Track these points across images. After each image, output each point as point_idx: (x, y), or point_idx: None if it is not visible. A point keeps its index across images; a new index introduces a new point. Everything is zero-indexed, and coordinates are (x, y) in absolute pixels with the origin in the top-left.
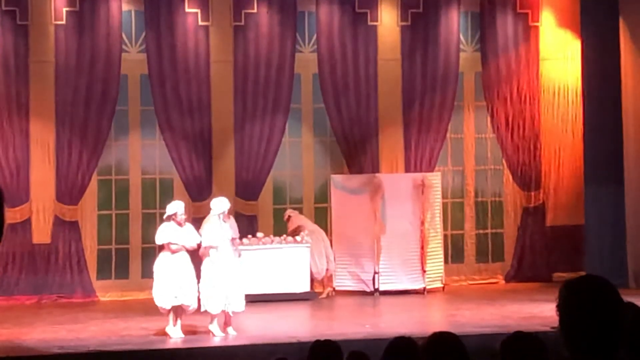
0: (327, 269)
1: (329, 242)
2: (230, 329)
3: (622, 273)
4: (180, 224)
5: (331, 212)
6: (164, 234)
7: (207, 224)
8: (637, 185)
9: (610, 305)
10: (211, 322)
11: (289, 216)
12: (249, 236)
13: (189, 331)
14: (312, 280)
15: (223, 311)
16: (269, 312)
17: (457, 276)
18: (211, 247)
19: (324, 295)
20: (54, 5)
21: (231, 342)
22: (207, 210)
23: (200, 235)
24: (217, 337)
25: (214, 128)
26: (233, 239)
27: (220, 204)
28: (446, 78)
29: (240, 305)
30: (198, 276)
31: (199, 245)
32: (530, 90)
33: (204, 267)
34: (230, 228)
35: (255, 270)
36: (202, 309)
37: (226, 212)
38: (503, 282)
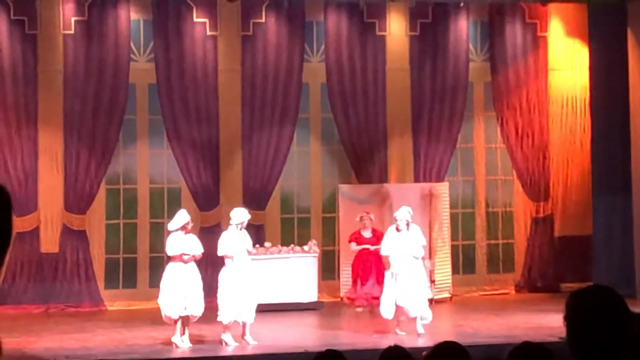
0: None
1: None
2: (249, 338)
3: (629, 283)
4: (189, 233)
5: (339, 222)
6: (176, 244)
7: (224, 233)
8: None
9: (617, 315)
10: (224, 331)
11: None
12: (257, 246)
13: (196, 341)
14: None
15: (236, 321)
16: (277, 321)
17: (468, 287)
18: (226, 256)
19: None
20: (63, 14)
21: (238, 351)
22: (214, 220)
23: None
24: (230, 347)
25: (222, 137)
26: (248, 250)
27: (239, 215)
28: (455, 88)
29: (251, 316)
30: (205, 286)
31: (203, 255)
32: (539, 100)
33: (220, 277)
34: (246, 239)
35: (263, 279)
36: (219, 319)
37: (245, 223)
38: (514, 292)
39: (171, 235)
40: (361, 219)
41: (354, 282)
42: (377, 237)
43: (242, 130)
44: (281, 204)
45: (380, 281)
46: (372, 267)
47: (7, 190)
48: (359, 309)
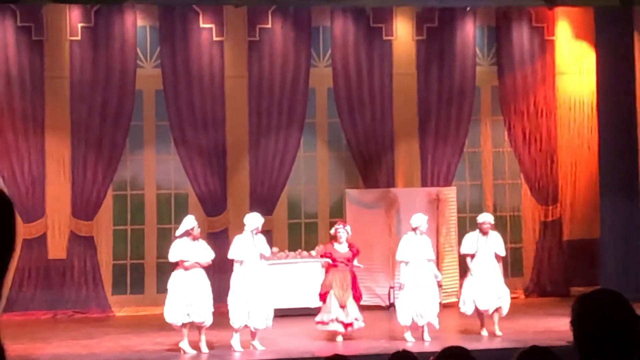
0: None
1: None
2: (257, 344)
3: (637, 287)
4: (196, 239)
5: None
6: (177, 251)
7: (236, 237)
8: None
9: (624, 318)
10: (233, 336)
11: None
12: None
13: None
14: None
15: (247, 326)
16: (284, 327)
17: None
18: (235, 260)
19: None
20: (69, 21)
21: (246, 357)
22: (222, 225)
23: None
24: (238, 353)
25: (229, 143)
26: (262, 255)
27: (252, 220)
28: (462, 92)
29: (261, 322)
30: (213, 292)
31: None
32: (546, 104)
33: (231, 281)
34: (260, 244)
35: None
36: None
37: (259, 228)
38: (523, 296)
39: (175, 242)
40: (335, 230)
41: (324, 302)
42: (354, 252)
43: (249, 135)
44: (288, 209)
45: (357, 299)
46: (348, 285)
47: (8, 196)
48: (340, 339)
